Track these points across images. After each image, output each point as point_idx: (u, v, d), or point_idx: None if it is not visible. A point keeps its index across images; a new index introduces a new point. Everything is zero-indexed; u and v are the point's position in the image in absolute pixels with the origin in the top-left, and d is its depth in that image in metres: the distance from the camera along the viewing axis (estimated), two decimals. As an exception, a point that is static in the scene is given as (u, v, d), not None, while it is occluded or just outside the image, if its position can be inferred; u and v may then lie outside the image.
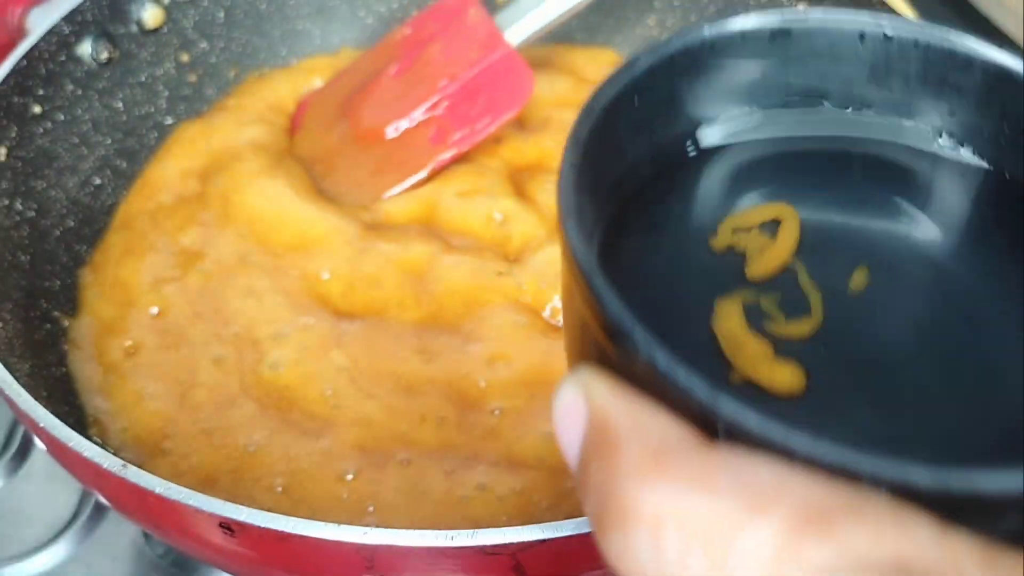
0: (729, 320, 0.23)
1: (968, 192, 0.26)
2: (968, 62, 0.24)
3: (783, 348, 0.23)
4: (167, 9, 0.56)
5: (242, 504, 0.33)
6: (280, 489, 0.42)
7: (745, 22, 0.25)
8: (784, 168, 0.27)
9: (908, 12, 0.51)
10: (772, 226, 0.25)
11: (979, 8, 0.68)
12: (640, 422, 0.19)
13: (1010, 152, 0.25)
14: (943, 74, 0.25)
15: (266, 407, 0.44)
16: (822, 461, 0.17)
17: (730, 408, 0.18)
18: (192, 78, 0.58)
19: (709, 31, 0.25)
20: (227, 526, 0.34)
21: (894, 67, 0.26)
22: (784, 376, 0.22)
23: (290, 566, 0.35)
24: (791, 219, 0.25)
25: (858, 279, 0.24)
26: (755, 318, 0.23)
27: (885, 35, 0.25)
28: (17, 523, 0.47)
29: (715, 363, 0.22)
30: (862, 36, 0.25)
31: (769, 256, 0.25)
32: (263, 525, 0.33)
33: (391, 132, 0.53)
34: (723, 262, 0.25)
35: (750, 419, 0.17)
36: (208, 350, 0.46)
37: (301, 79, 0.60)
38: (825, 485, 0.17)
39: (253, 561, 0.36)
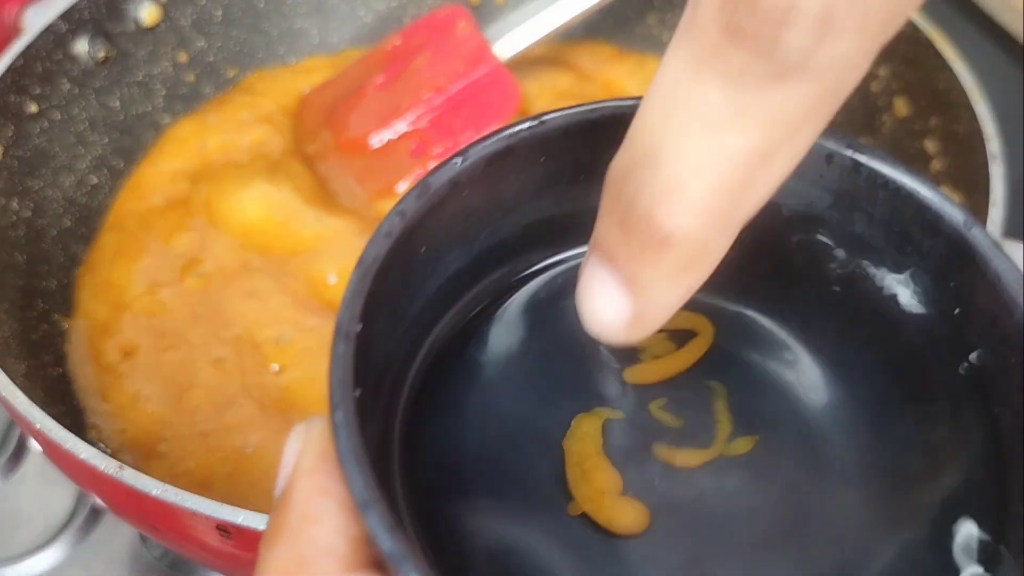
0: (582, 440, 0.21)
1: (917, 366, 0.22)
2: (936, 226, 0.21)
3: (635, 484, 0.21)
4: (164, 7, 0.56)
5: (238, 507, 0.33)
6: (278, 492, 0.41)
7: None
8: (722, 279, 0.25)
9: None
10: (682, 337, 0.23)
11: (979, 5, 0.68)
12: (309, 518, 0.18)
13: (968, 335, 0.21)
14: (908, 227, 0.22)
15: (266, 408, 0.44)
16: None
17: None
18: (190, 77, 0.58)
19: None
20: (224, 528, 0.33)
21: (859, 203, 0.22)
22: (625, 518, 0.20)
23: (288, 569, 0.35)
24: (705, 336, 0.23)
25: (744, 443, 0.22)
26: (643, 431, 0.21)
27: (855, 163, 0.22)
28: (13, 525, 0.47)
29: (556, 489, 0.20)
30: (830, 158, 0.22)
31: (664, 364, 0.22)
32: (260, 528, 0.33)
33: (374, 143, 0.53)
34: (606, 364, 0.22)
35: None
36: (207, 352, 0.46)
37: (301, 78, 0.60)
38: None
39: (250, 563, 0.36)
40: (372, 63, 0.56)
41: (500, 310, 0.23)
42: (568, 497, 0.21)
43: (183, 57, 0.57)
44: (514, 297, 0.23)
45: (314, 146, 0.55)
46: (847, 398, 0.22)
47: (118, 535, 0.47)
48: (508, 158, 0.21)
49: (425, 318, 0.22)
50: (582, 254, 0.22)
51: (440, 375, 0.22)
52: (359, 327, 0.19)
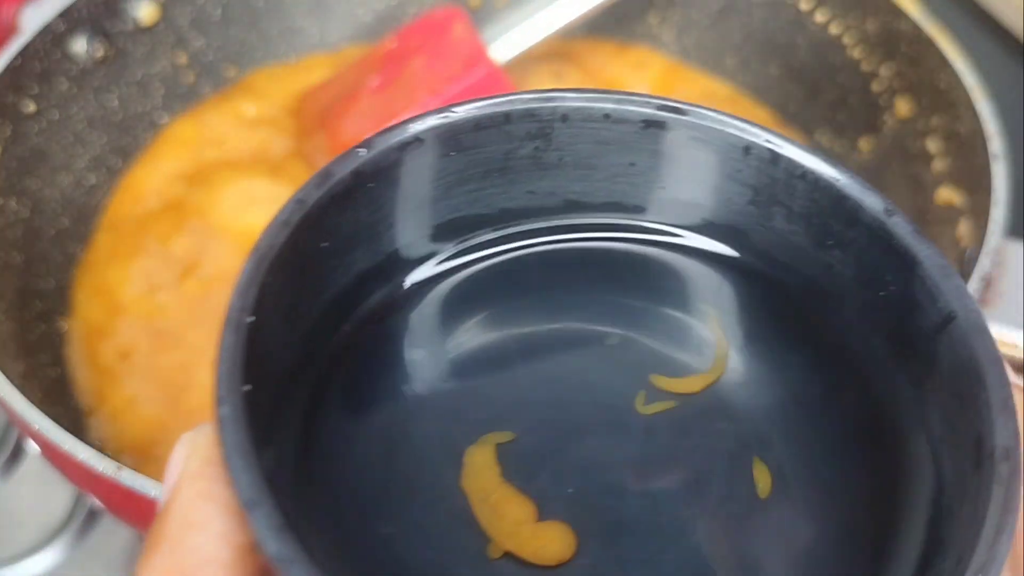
0: (479, 476, 0.19)
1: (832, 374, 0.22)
2: (855, 216, 0.20)
3: (549, 504, 0.19)
4: (163, 6, 0.55)
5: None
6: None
7: (628, 107, 0.21)
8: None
9: (911, 6, 0.51)
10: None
11: (981, 4, 0.68)
12: (191, 526, 0.17)
13: (890, 325, 0.20)
14: (827, 219, 0.21)
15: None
16: None
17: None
18: (188, 75, 0.57)
19: (598, 100, 0.21)
20: (223, 530, 0.33)
21: (778, 197, 0.21)
22: (552, 545, 0.19)
23: (287, 571, 0.35)
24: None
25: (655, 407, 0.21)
26: (540, 445, 0.20)
27: (773, 155, 0.21)
28: (10, 527, 0.47)
29: (470, 533, 0.19)
30: (747, 150, 0.21)
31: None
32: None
33: None
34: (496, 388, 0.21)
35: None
36: (207, 354, 0.46)
37: (301, 76, 0.59)
38: None
39: (250, 566, 0.35)
40: (368, 65, 0.56)
41: (403, 319, 0.22)
42: (485, 539, 0.19)
43: (182, 56, 0.57)
44: (417, 306, 0.22)
45: (310, 147, 0.55)
46: (780, 396, 0.22)
47: (116, 536, 0.47)
48: (415, 150, 0.20)
49: (330, 321, 0.21)
50: (496, 255, 0.22)
51: (343, 387, 0.21)
52: (251, 319, 0.17)
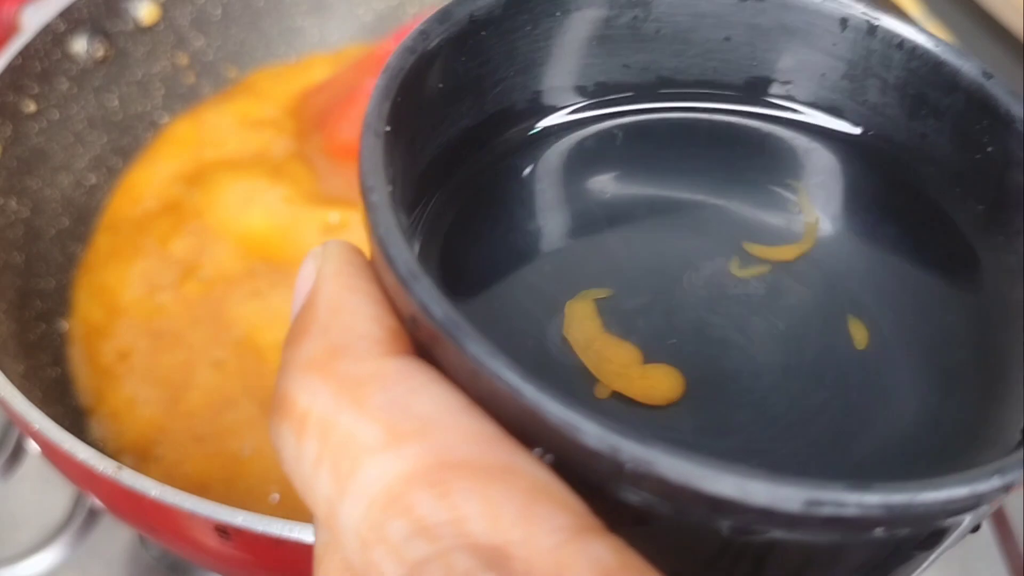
0: (582, 326, 0.20)
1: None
2: (953, 82, 0.21)
3: (652, 352, 0.19)
4: (163, 6, 0.55)
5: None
6: (277, 498, 0.41)
7: None
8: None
9: (913, 7, 0.51)
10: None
11: (980, 3, 0.68)
12: (340, 310, 0.17)
13: (985, 187, 0.21)
14: (923, 88, 0.21)
15: (267, 408, 0.44)
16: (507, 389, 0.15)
17: (424, 300, 0.16)
18: (188, 75, 0.58)
19: None
20: (223, 530, 0.33)
21: (873, 69, 0.22)
22: (661, 384, 0.19)
23: (285, 570, 0.35)
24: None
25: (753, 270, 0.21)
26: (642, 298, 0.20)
27: (870, 26, 0.21)
28: (11, 527, 0.47)
29: (576, 376, 0.19)
30: (844, 22, 0.22)
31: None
32: (259, 530, 0.32)
33: None
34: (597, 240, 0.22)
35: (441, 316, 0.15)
36: (207, 354, 0.46)
37: (302, 76, 0.59)
38: (485, 436, 0.15)
39: (248, 565, 0.35)
40: (368, 65, 0.56)
41: (498, 178, 0.22)
42: (592, 381, 0.19)
43: (182, 56, 0.57)
44: (517, 164, 0.22)
45: (310, 148, 0.55)
46: (873, 262, 0.22)
47: (116, 536, 0.46)
48: (523, 4, 0.21)
49: (437, 167, 0.21)
50: (608, 117, 0.22)
51: (453, 225, 0.21)
52: (388, 128, 0.18)
